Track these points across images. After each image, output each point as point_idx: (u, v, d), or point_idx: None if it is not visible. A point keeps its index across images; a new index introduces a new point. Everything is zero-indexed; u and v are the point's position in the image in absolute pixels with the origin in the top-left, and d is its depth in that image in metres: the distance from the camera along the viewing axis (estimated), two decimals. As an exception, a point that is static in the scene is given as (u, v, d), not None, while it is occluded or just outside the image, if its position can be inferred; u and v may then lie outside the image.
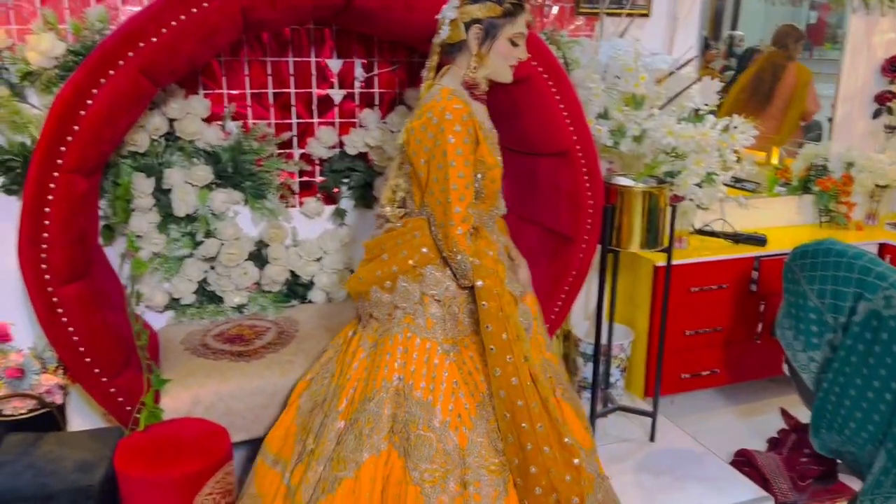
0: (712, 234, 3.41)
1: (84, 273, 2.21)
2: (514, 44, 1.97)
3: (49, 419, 2.35)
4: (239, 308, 2.84)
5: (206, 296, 2.82)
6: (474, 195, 1.95)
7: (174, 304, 2.80)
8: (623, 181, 2.74)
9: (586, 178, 2.63)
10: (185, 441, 2.19)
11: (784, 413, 3.27)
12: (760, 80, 3.67)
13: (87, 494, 1.96)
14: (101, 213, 2.57)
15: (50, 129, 2.02)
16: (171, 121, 2.61)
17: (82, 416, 2.48)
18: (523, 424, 1.83)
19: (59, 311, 2.13)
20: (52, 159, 2.03)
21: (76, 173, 2.09)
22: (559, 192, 2.70)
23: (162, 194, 2.66)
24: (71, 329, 2.16)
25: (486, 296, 1.86)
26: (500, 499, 1.85)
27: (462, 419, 1.90)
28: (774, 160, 3.87)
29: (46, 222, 2.06)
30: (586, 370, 3.26)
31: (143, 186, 2.58)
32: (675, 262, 3.12)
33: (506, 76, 2.03)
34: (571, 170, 2.63)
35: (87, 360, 2.20)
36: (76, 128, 2.02)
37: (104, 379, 2.24)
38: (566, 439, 1.90)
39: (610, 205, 2.69)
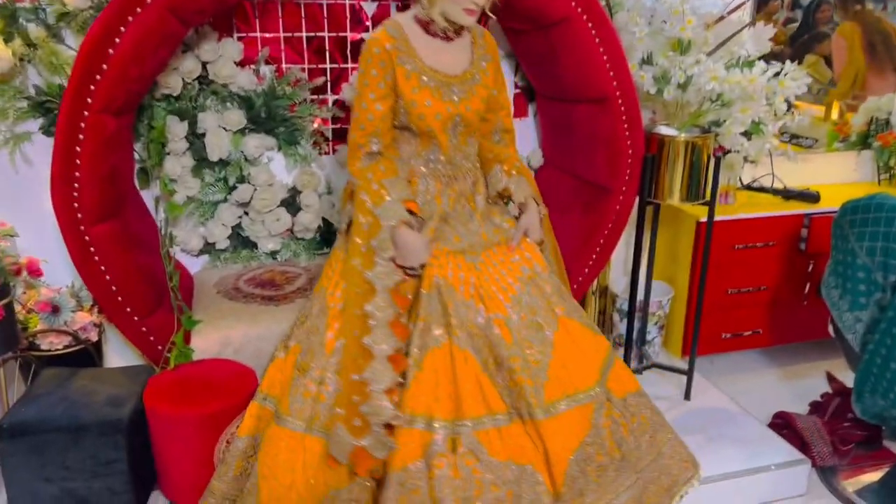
0: (761, 189, 3.27)
1: (115, 213, 2.24)
2: None
3: (85, 356, 2.41)
4: (272, 254, 2.86)
5: (241, 241, 2.84)
6: (412, 132, 1.97)
7: (209, 248, 2.83)
8: (665, 130, 2.63)
9: (626, 126, 2.54)
10: (212, 380, 2.22)
11: (829, 377, 3.15)
12: (876, 35, 3.48)
13: (116, 428, 2.01)
14: (136, 157, 2.60)
15: (79, 69, 2.03)
16: (205, 64, 2.60)
17: (120, 355, 2.55)
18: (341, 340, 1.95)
19: (91, 249, 2.17)
20: (82, 99, 2.05)
21: (105, 113, 2.11)
22: (596, 140, 2.61)
23: (196, 138, 2.67)
24: (103, 268, 2.20)
25: (352, 216, 1.98)
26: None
27: (338, 328, 1.99)
28: (835, 115, 3.68)
29: (77, 161, 2.09)
30: (622, 326, 3.20)
31: (176, 130, 2.58)
32: (719, 217, 3.00)
33: (460, 18, 1.90)
34: (610, 117, 2.53)
35: (119, 299, 2.25)
36: (104, 67, 2.03)
37: (136, 318, 2.29)
38: (357, 377, 1.87)
39: (650, 154, 2.60)
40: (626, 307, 3.17)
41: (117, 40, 2.02)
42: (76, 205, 2.11)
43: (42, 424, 1.99)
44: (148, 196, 2.66)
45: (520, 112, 3.04)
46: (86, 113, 2.05)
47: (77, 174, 2.09)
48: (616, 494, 1.99)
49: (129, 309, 2.26)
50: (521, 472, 1.88)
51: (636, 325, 3.10)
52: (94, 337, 2.41)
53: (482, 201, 2.12)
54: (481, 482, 1.84)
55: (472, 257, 2.02)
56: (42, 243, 2.57)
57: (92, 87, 2.05)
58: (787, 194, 3.22)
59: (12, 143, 2.55)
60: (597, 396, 2.00)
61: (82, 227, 2.14)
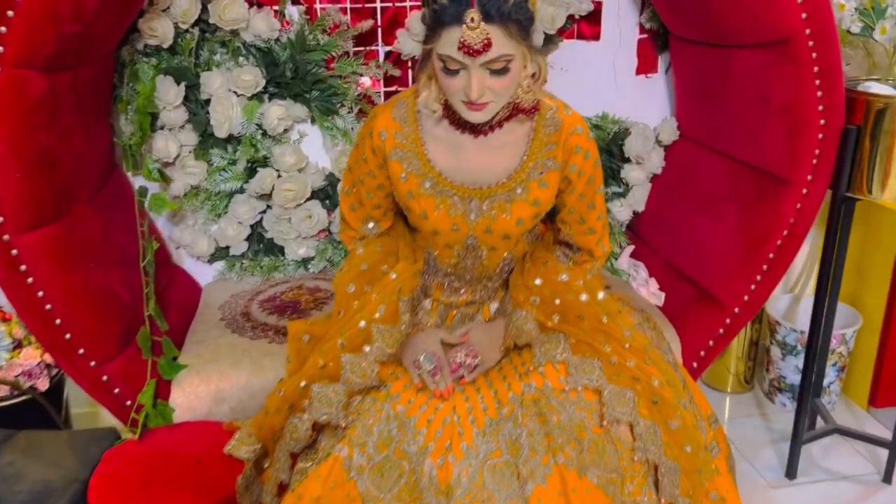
0: None
1: (57, 215, 1.57)
2: (447, 69, 1.27)
3: (36, 407, 1.77)
4: (304, 262, 2.15)
5: (263, 245, 2.15)
6: (409, 224, 1.57)
7: (223, 253, 2.15)
8: (876, 88, 1.73)
9: (818, 82, 1.66)
10: (191, 457, 1.53)
11: None
12: None
13: (35, 542, 1.35)
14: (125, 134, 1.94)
15: (-19, 0, 1.35)
16: (205, 3, 1.90)
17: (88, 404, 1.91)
18: None
19: (22, 268, 1.51)
20: (-11, 46, 1.37)
21: (27, 68, 1.43)
22: (767, 104, 1.75)
23: (199, 107, 1.98)
24: (41, 294, 1.54)
25: None
26: None
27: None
28: None
29: (-9, 141, 1.42)
30: (784, 365, 2.32)
31: (168, 95, 1.90)
32: (938, 217, 2.08)
33: (462, 111, 1.32)
34: (794, 69, 1.67)
35: (67, 336, 1.58)
36: (14, -3, 1.35)
37: (92, 363, 1.62)
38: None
39: (854, 126, 1.70)
40: (790, 340, 2.29)
41: (32, -45, 1.33)
42: (-5, 204, 1.45)
43: (-69, 530, 1.36)
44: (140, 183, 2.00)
45: (646, 66, 2.20)
46: (-2, 68, 1.38)
47: (-9, 159, 1.42)
48: None
49: (81, 350, 1.60)
50: None
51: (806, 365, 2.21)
52: (43, 385, 1.77)
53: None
54: None
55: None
56: None
57: (3, 29, 1.37)
58: None
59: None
60: None
61: (7, 237, 1.48)
